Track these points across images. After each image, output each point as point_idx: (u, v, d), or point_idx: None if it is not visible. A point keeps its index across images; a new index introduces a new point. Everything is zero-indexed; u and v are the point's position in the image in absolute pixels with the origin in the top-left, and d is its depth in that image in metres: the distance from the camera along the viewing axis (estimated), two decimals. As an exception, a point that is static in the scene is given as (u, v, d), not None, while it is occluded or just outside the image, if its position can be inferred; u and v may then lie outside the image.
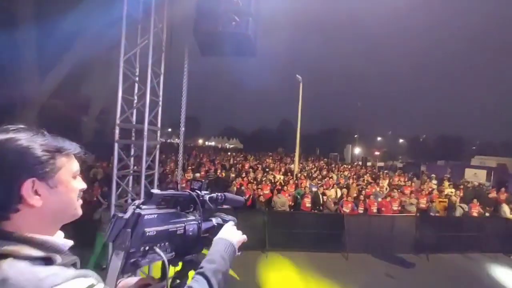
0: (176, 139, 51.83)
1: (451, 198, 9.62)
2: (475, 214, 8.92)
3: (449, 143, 41.10)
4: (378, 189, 10.28)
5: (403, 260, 7.13)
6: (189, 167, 11.09)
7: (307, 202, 7.84)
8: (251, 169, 12.85)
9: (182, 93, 3.48)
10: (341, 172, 14.85)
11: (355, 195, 9.17)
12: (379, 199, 8.94)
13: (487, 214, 9.25)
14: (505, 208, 9.06)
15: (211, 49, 3.00)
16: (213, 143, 50.86)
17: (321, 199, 8.54)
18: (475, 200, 9.45)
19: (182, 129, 3.47)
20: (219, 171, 12.63)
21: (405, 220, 7.88)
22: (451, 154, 31.23)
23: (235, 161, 18.04)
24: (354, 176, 13.63)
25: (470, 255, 7.66)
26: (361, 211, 8.20)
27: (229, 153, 26.98)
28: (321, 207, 8.33)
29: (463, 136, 43.19)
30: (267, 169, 14.94)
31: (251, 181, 10.09)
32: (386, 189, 10.91)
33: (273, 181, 10.90)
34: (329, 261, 6.66)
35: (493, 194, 11.24)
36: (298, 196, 8.77)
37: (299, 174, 12.18)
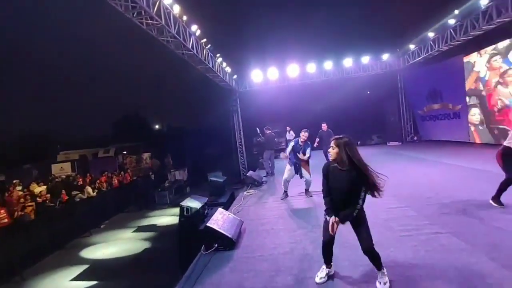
0: None
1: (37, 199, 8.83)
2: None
3: (33, 145, 38.23)
4: None
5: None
6: None
7: None
8: None
9: None
10: None
11: None
12: None
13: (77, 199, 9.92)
14: (89, 189, 10.48)
15: None
16: None
17: None
18: (63, 191, 9.67)
19: None
20: None
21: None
22: (37, 156, 29.36)
23: None
24: None
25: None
26: None
27: None
28: None
29: (49, 136, 42.39)
30: None
31: None
32: None
33: None
34: None
35: (80, 182, 12.40)
36: None
37: None
